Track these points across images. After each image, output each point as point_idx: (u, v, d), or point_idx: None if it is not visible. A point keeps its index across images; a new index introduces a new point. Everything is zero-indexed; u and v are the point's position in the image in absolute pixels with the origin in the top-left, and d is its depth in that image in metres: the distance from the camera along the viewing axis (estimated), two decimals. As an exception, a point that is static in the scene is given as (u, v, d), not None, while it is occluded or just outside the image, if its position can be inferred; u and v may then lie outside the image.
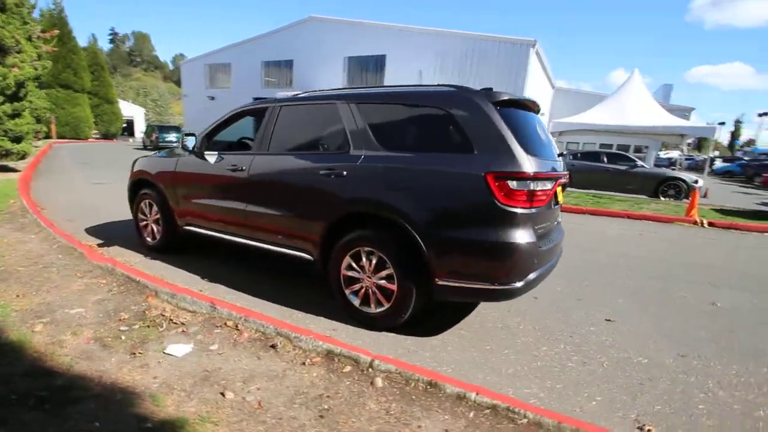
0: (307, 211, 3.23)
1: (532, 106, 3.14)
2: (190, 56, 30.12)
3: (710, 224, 7.99)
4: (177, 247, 4.53)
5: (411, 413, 2.03)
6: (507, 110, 2.74)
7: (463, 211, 2.62)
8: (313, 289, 3.72)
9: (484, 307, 3.47)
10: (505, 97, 2.75)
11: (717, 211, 9.87)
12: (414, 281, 2.80)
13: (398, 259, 2.82)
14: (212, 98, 26.38)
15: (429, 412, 2.04)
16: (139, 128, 41.06)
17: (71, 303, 3.12)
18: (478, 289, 2.65)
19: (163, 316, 2.99)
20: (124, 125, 36.34)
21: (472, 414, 2.03)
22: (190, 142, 4.00)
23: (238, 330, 2.80)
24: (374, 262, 2.94)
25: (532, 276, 2.68)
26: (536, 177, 2.56)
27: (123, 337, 2.67)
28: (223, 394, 2.12)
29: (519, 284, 2.61)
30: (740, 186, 22.28)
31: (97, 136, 29.86)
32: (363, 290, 3.04)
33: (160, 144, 22.12)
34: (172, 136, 22.57)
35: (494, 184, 2.51)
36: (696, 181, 11.50)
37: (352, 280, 3.09)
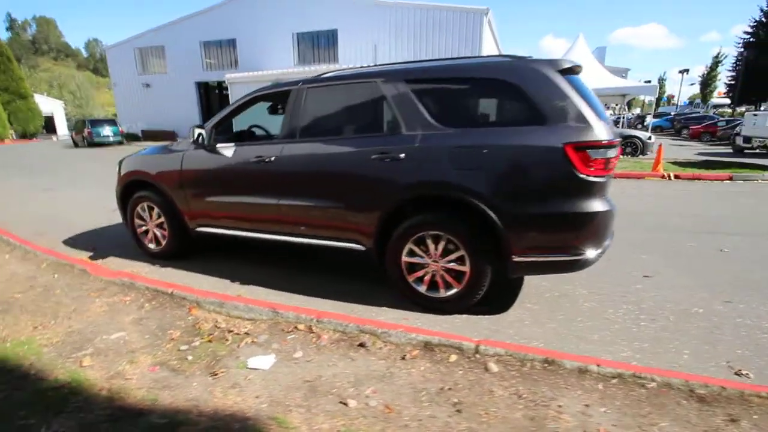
0: (358, 199, 3.03)
1: (579, 70, 3.11)
2: (108, 41, 27.10)
3: (676, 177, 8.66)
4: (186, 252, 4.14)
5: (542, 393, 2.01)
6: (570, 77, 2.69)
7: (542, 184, 2.57)
8: (353, 279, 3.57)
9: (531, 278, 3.51)
10: (568, 65, 2.69)
11: (672, 164, 10.71)
12: (487, 261, 2.75)
13: (470, 240, 2.74)
14: (147, 85, 24.15)
15: (560, 390, 2.03)
16: (61, 125, 36.94)
17: (105, 328, 2.75)
18: (555, 262, 2.65)
19: (219, 327, 2.72)
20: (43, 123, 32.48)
21: (601, 386, 2.04)
22: (202, 134, 3.58)
23: (314, 333, 2.61)
24: (442, 245, 2.84)
25: (606, 243, 2.72)
26: (610, 144, 2.56)
27: (190, 358, 2.39)
28: (344, 403, 1.97)
29: (595, 253, 2.64)
30: (671, 139, 24.31)
31: (14, 136, 26.48)
32: (429, 275, 2.94)
33: (96, 140, 20.05)
34: (107, 131, 20.50)
35: (573, 155, 2.47)
36: (650, 138, 12.37)
37: (415, 266, 2.98)
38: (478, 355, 2.30)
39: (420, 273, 2.96)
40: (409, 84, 2.91)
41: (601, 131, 2.50)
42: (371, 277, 3.55)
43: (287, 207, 3.30)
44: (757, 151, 13.29)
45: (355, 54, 16.48)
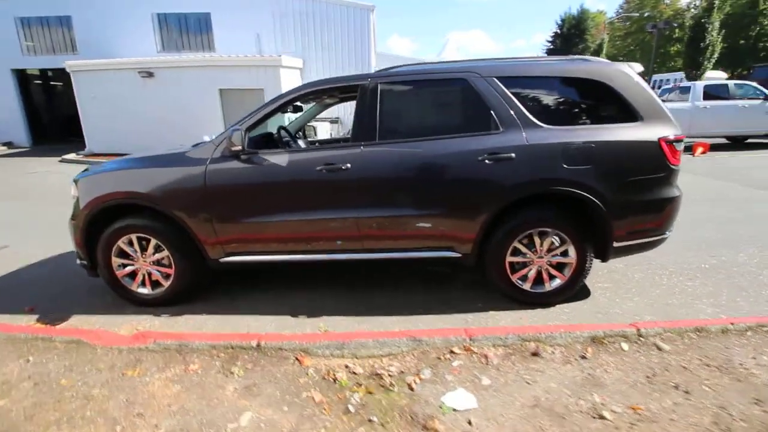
0: (461, 204, 2.86)
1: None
2: None
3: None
4: (195, 291, 3.26)
5: (720, 357, 2.29)
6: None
7: (641, 174, 2.84)
8: (420, 289, 3.36)
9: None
10: (641, 69, 3.02)
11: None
12: (591, 249, 2.93)
13: (577, 232, 2.88)
14: None
15: (728, 350, 2.34)
16: None
17: (213, 414, 2.01)
18: (646, 243, 2.99)
19: (358, 374, 2.27)
20: None
21: (744, 339, 2.44)
22: (236, 139, 2.80)
23: (475, 353, 2.40)
24: (549, 241, 2.90)
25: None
26: (682, 138, 2.99)
27: (374, 419, 1.94)
28: (602, 417, 1.89)
29: (671, 232, 3.07)
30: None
31: None
32: (533, 272, 2.98)
33: None
34: None
35: (666, 148, 2.81)
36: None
37: (517, 265, 2.98)
38: (641, 338, 2.47)
39: (524, 271, 2.98)
40: (503, 81, 2.85)
41: (678, 127, 2.91)
42: (438, 284, 3.41)
43: (368, 220, 2.89)
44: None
45: (234, 43, 14.77)
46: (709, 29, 22.25)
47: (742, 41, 31.78)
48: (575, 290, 3.02)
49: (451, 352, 2.41)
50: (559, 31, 41.26)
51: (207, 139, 3.18)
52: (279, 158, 2.90)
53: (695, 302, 3.03)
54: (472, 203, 2.84)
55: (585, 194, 2.78)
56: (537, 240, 2.91)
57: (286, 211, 2.94)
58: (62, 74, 14.15)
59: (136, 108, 13.16)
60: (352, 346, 2.43)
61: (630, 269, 3.61)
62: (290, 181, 2.90)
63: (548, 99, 2.96)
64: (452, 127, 2.94)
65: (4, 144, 17.13)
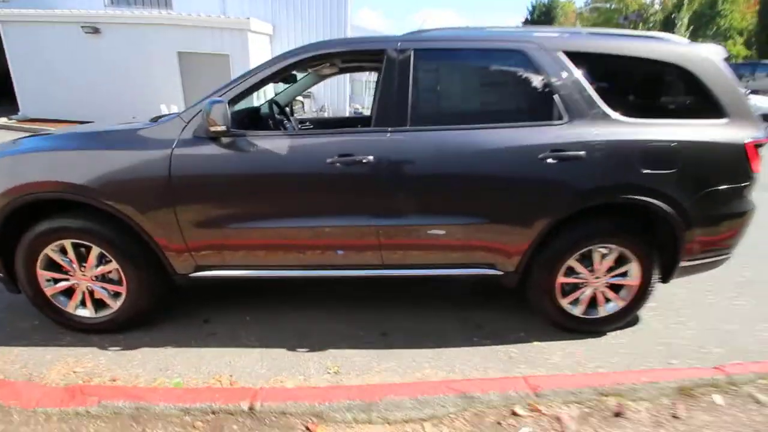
0: (511, 212, 2.26)
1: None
2: None
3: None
4: (153, 313, 2.50)
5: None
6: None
7: (726, 183, 2.34)
8: (454, 306, 2.79)
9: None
10: (726, 54, 2.49)
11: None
12: (657, 269, 2.45)
13: (646, 249, 2.37)
14: None
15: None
16: None
17: None
18: (715, 261, 2.54)
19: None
20: None
21: None
22: (217, 115, 2.01)
23: (543, 413, 1.84)
24: (611, 258, 2.38)
25: None
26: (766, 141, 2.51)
27: None
28: None
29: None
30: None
31: None
32: (587, 295, 2.47)
33: None
34: None
35: (751, 153, 2.33)
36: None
37: (567, 287, 2.46)
38: (734, 387, 2.01)
39: (577, 294, 2.46)
40: (571, 57, 2.24)
41: (762, 128, 2.43)
42: (464, 302, 2.84)
43: (392, 228, 2.24)
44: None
45: (195, 1, 13.20)
46: (678, 25, 22.76)
47: (700, 39, 33.09)
48: (633, 314, 2.55)
49: (514, 413, 1.84)
50: (529, 17, 41.28)
51: (165, 109, 2.37)
52: (275, 144, 2.16)
53: (756, 326, 2.65)
54: (527, 211, 2.25)
55: (664, 205, 2.25)
56: (596, 257, 2.38)
57: (283, 215, 2.23)
58: (-8, 25, 12.06)
59: (80, 69, 11.49)
60: (381, 406, 1.81)
61: (669, 285, 3.20)
62: (290, 176, 2.17)
63: (623, 84, 2.39)
64: (503, 113, 2.31)
65: None
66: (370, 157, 2.13)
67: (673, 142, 2.22)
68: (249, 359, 2.22)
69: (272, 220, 2.22)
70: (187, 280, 2.36)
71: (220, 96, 2.12)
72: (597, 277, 2.43)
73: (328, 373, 2.12)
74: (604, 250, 2.37)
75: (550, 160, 2.16)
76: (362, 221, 2.23)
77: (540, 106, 2.25)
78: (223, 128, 2.01)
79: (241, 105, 2.66)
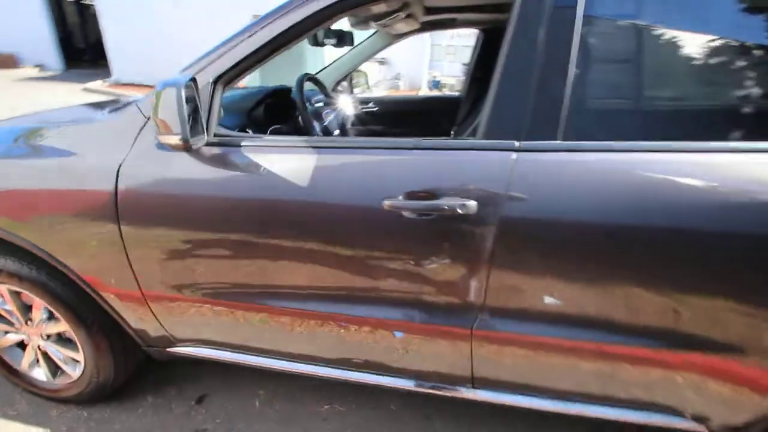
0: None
1: None
2: None
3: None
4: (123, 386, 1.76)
5: None
6: None
7: None
8: None
9: None
10: None
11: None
12: None
13: None
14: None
15: None
16: None
17: None
18: None
19: None
20: None
21: None
22: (170, 116, 1.07)
23: None
24: None
25: None
26: None
27: None
28: None
29: None
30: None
31: None
32: None
33: None
34: None
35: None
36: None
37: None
38: None
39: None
40: None
41: None
42: None
43: (504, 335, 1.19)
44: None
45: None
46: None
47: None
48: None
49: None
50: None
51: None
52: (290, 163, 1.19)
53: None
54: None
55: None
56: None
57: (297, 296, 1.28)
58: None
59: (167, 36, 11.50)
60: None
61: None
62: (312, 231, 1.20)
63: None
64: (747, 122, 1.07)
65: (36, 65, 16.24)
66: (471, 203, 1.07)
67: None
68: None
69: (284, 300, 1.29)
70: (165, 355, 1.57)
71: (193, 69, 1.18)
72: None
73: None
74: None
75: None
76: (444, 319, 1.21)
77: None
78: (176, 139, 1.07)
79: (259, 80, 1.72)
